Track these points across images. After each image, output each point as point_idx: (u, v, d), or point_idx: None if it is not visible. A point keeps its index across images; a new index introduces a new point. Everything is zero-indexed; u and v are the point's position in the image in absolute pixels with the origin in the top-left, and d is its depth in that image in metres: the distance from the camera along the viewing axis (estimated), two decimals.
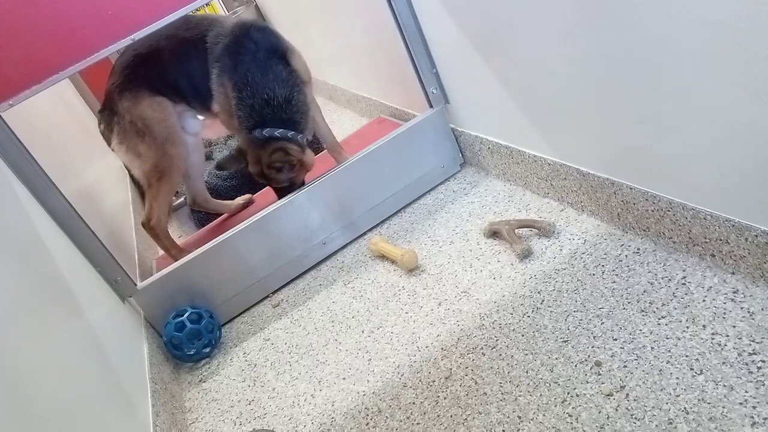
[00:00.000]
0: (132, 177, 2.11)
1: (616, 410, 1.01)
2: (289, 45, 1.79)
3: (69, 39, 1.44)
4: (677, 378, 1.01)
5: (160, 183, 1.81)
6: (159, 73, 1.79)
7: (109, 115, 1.81)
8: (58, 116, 2.50)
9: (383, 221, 1.88)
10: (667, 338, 1.09)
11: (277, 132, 1.71)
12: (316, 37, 2.90)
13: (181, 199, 2.37)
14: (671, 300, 1.16)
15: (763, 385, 0.94)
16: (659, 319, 1.13)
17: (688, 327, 1.09)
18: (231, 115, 1.75)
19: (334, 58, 2.80)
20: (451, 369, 1.25)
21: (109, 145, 1.85)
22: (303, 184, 1.82)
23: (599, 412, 1.02)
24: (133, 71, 1.78)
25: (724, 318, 1.07)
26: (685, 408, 0.96)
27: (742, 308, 1.07)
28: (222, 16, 1.93)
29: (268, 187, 2.03)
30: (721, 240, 1.13)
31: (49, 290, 1.24)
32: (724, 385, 0.97)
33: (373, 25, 2.07)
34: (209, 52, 1.76)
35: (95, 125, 3.38)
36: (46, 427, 0.92)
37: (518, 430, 1.06)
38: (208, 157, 2.82)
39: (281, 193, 1.82)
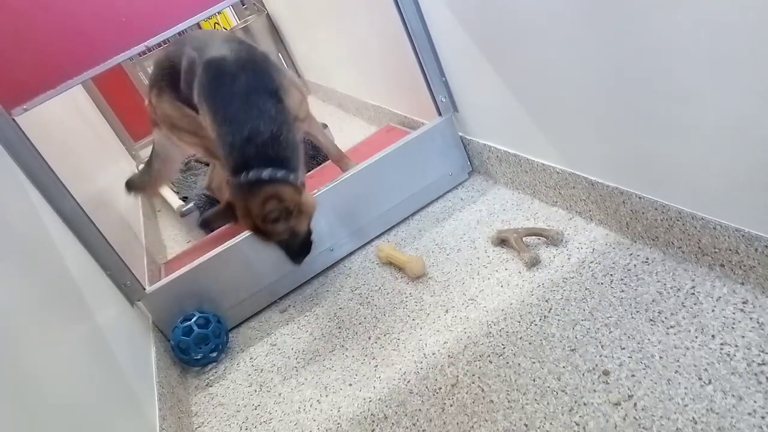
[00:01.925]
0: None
1: (624, 420, 1.01)
2: (282, 79, 1.59)
3: (82, 45, 1.47)
4: (686, 388, 1.01)
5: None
6: (176, 82, 1.79)
7: (149, 100, 1.87)
8: (70, 121, 2.53)
9: (391, 228, 1.88)
10: (676, 348, 1.08)
11: (265, 174, 1.45)
12: (326, 46, 2.92)
13: (191, 204, 2.38)
14: (680, 310, 1.15)
15: None
16: (668, 328, 1.12)
17: (696, 337, 1.08)
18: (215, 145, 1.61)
19: (344, 66, 2.82)
20: (457, 376, 1.25)
21: (153, 121, 1.90)
22: (310, 233, 1.60)
23: (607, 422, 1.02)
24: (162, 72, 1.80)
25: (733, 328, 1.07)
26: (693, 418, 0.96)
27: (751, 318, 1.07)
28: (221, 33, 1.87)
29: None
30: (730, 250, 1.12)
31: (59, 293, 1.25)
32: (733, 396, 0.96)
33: (382, 33, 2.09)
34: (197, 71, 1.62)
35: (107, 130, 3.42)
36: (53, 428, 0.92)
37: None
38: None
39: (290, 251, 1.58)
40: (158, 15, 1.52)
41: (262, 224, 1.47)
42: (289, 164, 1.49)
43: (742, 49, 0.89)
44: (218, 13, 4.05)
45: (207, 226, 1.60)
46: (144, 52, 1.58)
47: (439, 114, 1.87)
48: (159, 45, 1.64)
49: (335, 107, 3.21)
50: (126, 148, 3.49)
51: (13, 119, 1.42)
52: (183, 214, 2.38)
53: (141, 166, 2.60)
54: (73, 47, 1.46)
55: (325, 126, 2.43)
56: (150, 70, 3.90)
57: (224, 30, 1.93)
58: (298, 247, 1.58)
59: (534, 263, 1.44)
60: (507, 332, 1.29)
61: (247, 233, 1.72)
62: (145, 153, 3.47)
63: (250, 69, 1.56)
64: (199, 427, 1.47)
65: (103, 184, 2.41)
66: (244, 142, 1.46)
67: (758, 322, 1.05)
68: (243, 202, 1.47)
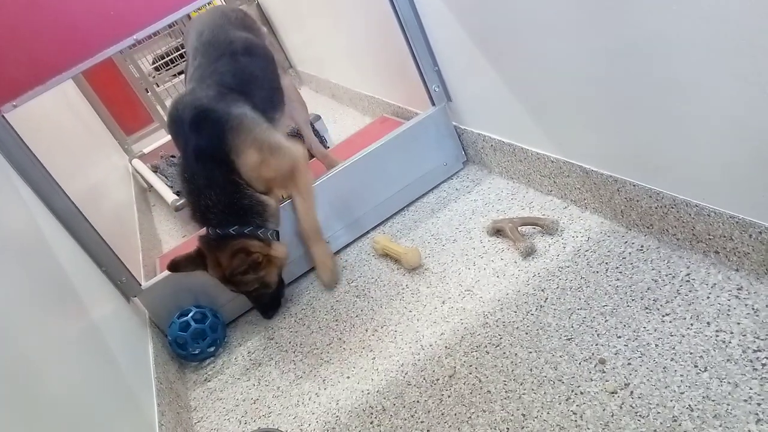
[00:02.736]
0: None
1: (621, 408, 1.01)
2: (236, 143, 1.53)
3: (71, 39, 1.45)
4: (681, 375, 1.01)
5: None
6: None
7: None
8: (61, 116, 2.51)
9: (386, 220, 1.88)
10: (672, 335, 1.08)
11: (232, 230, 1.53)
12: (319, 36, 2.90)
13: (185, 199, 2.37)
14: (675, 297, 1.15)
15: None
16: (663, 316, 1.13)
17: (692, 324, 1.09)
18: None
19: (337, 57, 2.80)
20: (455, 367, 1.25)
21: None
22: (281, 283, 1.68)
23: (603, 410, 1.02)
24: None
25: (728, 315, 1.07)
26: (689, 405, 0.96)
27: (746, 305, 1.07)
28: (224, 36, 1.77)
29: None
30: (725, 237, 1.12)
31: (55, 291, 1.25)
32: (729, 382, 0.96)
33: (374, 22, 2.07)
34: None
35: (99, 125, 3.39)
36: (52, 426, 0.92)
37: (522, 428, 1.06)
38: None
39: (259, 304, 1.67)
40: (147, 7, 1.50)
41: (231, 276, 1.53)
42: (255, 220, 1.56)
43: (736, 39, 0.89)
44: (209, 3, 4.01)
45: (175, 270, 1.58)
46: (134, 45, 1.56)
47: (433, 104, 1.86)
48: (149, 37, 1.63)
49: (328, 98, 3.20)
50: (119, 143, 3.46)
51: (3, 116, 1.41)
52: (177, 209, 2.37)
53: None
54: (62, 42, 1.44)
55: (318, 117, 2.43)
56: (141, 62, 3.87)
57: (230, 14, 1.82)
58: (269, 300, 1.66)
59: (529, 253, 1.44)
60: (503, 322, 1.30)
61: None
62: (138, 147, 3.45)
63: (205, 127, 1.53)
64: (199, 421, 1.47)
65: (96, 179, 2.40)
66: (205, 209, 1.53)
67: (753, 309, 1.06)
68: (213, 254, 1.54)
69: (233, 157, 1.52)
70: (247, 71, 1.69)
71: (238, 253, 1.50)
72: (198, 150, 1.52)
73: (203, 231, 1.58)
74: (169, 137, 3.32)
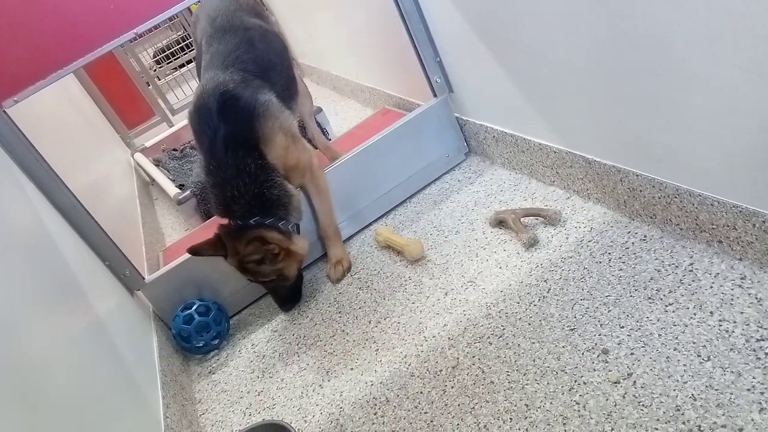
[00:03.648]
0: None
1: (624, 397, 1.01)
2: (264, 130, 1.52)
3: (72, 34, 1.44)
4: (684, 365, 1.01)
5: None
6: None
7: None
8: (63, 111, 2.51)
9: (389, 211, 1.88)
10: (675, 325, 1.08)
11: (252, 220, 1.51)
12: (320, 27, 2.89)
13: (187, 192, 2.37)
14: (678, 287, 1.15)
15: None
16: (666, 306, 1.13)
17: (695, 314, 1.09)
18: None
19: (338, 48, 2.79)
20: (458, 358, 1.25)
21: None
22: (300, 277, 1.67)
23: (606, 400, 1.03)
24: None
25: (731, 304, 1.07)
26: (692, 395, 0.96)
27: (749, 294, 1.07)
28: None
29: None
30: (728, 226, 1.12)
31: (59, 285, 1.25)
32: (732, 372, 0.96)
33: (376, 13, 2.06)
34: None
35: (101, 119, 3.39)
36: (58, 418, 0.93)
37: (526, 418, 1.07)
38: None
39: (277, 296, 1.65)
40: (147, 1, 1.49)
41: (244, 263, 1.52)
42: (279, 212, 1.54)
43: (739, 29, 0.88)
44: None
45: (196, 253, 1.56)
46: (135, 39, 1.55)
47: (435, 95, 1.85)
48: (149, 31, 1.63)
49: (330, 90, 3.19)
50: (120, 137, 3.46)
51: (4, 111, 1.41)
52: (180, 202, 2.37)
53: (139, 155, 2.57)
54: (63, 36, 1.44)
55: (319, 110, 2.42)
56: (142, 56, 3.86)
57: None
58: (287, 293, 1.64)
59: (532, 244, 1.44)
60: (506, 313, 1.30)
61: None
62: (140, 141, 3.45)
63: (233, 115, 1.50)
64: (203, 413, 1.48)
65: (99, 174, 2.40)
66: (230, 200, 1.50)
67: (757, 298, 1.06)
68: (231, 242, 1.53)
69: (262, 145, 1.51)
70: (265, 58, 1.68)
71: (254, 242, 1.49)
72: (228, 138, 1.49)
73: (222, 221, 1.56)
74: (170, 131, 3.32)
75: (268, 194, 1.51)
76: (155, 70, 4.62)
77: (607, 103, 1.24)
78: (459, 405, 1.16)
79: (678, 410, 0.95)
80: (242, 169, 1.48)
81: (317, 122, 2.30)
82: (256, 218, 1.51)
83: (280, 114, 1.56)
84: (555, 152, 1.51)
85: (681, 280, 1.16)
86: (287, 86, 1.72)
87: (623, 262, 1.27)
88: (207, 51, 1.69)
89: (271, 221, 1.52)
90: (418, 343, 1.35)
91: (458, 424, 1.12)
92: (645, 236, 1.30)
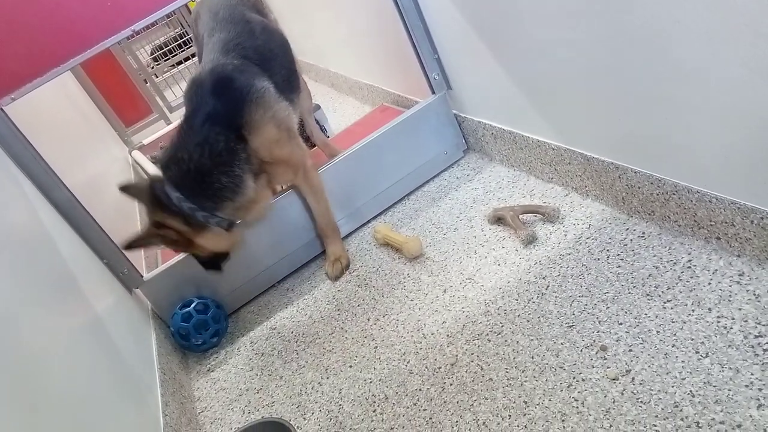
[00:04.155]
0: None
1: (622, 394, 1.02)
2: (254, 117, 1.47)
3: (69, 31, 1.44)
4: (683, 361, 1.01)
5: None
6: None
7: None
8: (60, 108, 2.50)
9: (387, 209, 1.88)
10: (673, 322, 1.09)
11: (174, 197, 1.41)
12: (318, 24, 2.88)
13: None
14: (677, 283, 1.15)
15: None
16: (665, 302, 1.13)
17: (693, 310, 1.09)
18: None
19: (336, 45, 2.79)
20: (456, 355, 1.26)
21: None
22: (221, 256, 1.57)
23: (605, 396, 1.03)
24: None
25: (729, 301, 1.07)
26: (690, 391, 0.96)
27: (747, 291, 1.07)
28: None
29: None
30: (726, 223, 1.12)
31: (57, 283, 1.25)
32: (730, 368, 0.97)
33: (374, 10, 2.06)
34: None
35: (98, 116, 3.38)
36: (56, 417, 0.93)
37: (524, 414, 1.07)
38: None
39: (200, 261, 1.59)
40: None
41: (142, 236, 1.47)
42: (207, 203, 1.44)
43: (739, 26, 0.88)
44: None
45: (130, 248, 1.49)
46: (132, 36, 1.55)
47: (433, 92, 1.85)
48: (146, 28, 1.62)
49: (328, 87, 3.19)
50: (118, 134, 3.46)
51: (2, 109, 1.40)
52: None
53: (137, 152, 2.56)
54: (60, 34, 1.43)
55: (318, 107, 2.42)
56: (139, 53, 3.85)
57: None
58: (206, 261, 1.58)
59: (531, 241, 1.44)
60: (505, 310, 1.30)
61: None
62: (138, 138, 3.45)
63: (225, 94, 1.46)
64: (202, 411, 1.48)
65: (96, 171, 2.40)
66: (178, 161, 1.42)
67: (755, 294, 1.06)
68: (148, 209, 1.47)
69: (246, 131, 1.46)
70: (267, 48, 1.66)
71: (154, 222, 1.45)
72: (212, 113, 1.44)
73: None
74: (168, 128, 3.32)
75: (216, 179, 1.43)
76: (153, 68, 4.61)
77: (606, 100, 1.24)
78: (458, 402, 1.16)
79: (676, 407, 0.95)
80: (209, 144, 1.41)
81: (315, 119, 2.30)
82: (178, 195, 1.41)
83: (276, 104, 1.53)
84: (553, 149, 1.51)
85: (679, 277, 1.16)
86: (288, 78, 1.70)
87: (621, 259, 1.27)
88: (208, 42, 1.67)
89: (189, 208, 1.42)
90: (417, 340, 1.35)
91: (457, 421, 1.12)
92: (643, 233, 1.30)
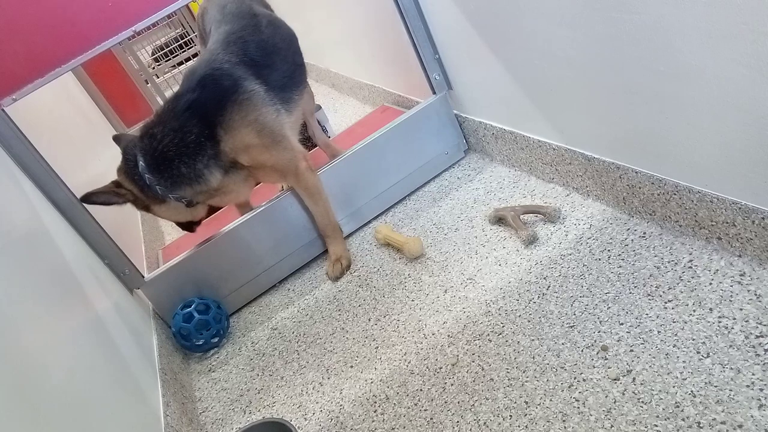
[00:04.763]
0: None
1: (623, 394, 1.02)
2: (233, 117, 1.49)
3: (70, 32, 1.44)
4: (684, 361, 1.01)
5: None
6: None
7: None
8: (61, 109, 2.50)
9: (388, 209, 1.88)
10: (674, 322, 1.09)
11: (142, 165, 1.48)
12: (318, 24, 2.88)
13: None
14: (678, 284, 1.15)
15: None
16: (666, 303, 1.13)
17: (694, 310, 1.09)
18: None
19: (336, 45, 2.79)
20: (457, 356, 1.26)
21: None
22: (196, 223, 1.70)
23: (606, 397, 1.03)
24: None
25: (730, 301, 1.07)
26: (692, 391, 0.96)
27: (749, 291, 1.07)
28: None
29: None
30: (727, 223, 1.12)
31: (58, 283, 1.25)
32: (731, 368, 0.97)
33: (374, 10, 2.06)
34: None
35: (99, 117, 3.39)
36: (57, 418, 0.93)
37: (525, 415, 1.07)
38: None
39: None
40: None
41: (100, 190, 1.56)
42: (166, 182, 1.49)
43: (739, 25, 0.88)
44: None
45: (87, 200, 1.54)
46: (133, 37, 1.55)
47: (433, 92, 1.85)
48: (148, 29, 1.62)
49: (329, 87, 3.19)
50: None
51: (3, 110, 1.41)
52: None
53: None
54: (61, 34, 1.44)
55: (318, 107, 2.42)
56: (140, 54, 3.85)
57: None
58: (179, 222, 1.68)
59: (531, 241, 1.44)
60: (506, 311, 1.30)
61: (245, 217, 1.72)
62: None
63: (211, 88, 1.50)
64: (203, 411, 1.48)
65: (97, 171, 2.40)
66: (151, 137, 1.48)
67: (756, 295, 1.06)
68: (119, 165, 1.56)
69: (221, 129, 1.48)
70: (270, 42, 1.66)
71: (116, 181, 1.55)
72: (196, 101, 1.48)
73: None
74: None
75: (176, 168, 1.48)
76: (154, 68, 4.61)
77: (607, 100, 1.24)
78: (459, 402, 1.16)
79: (677, 407, 0.95)
80: (182, 133, 1.46)
81: (317, 120, 2.30)
82: (143, 165, 1.48)
83: (261, 107, 1.52)
84: (554, 149, 1.51)
85: (680, 277, 1.16)
86: (291, 73, 1.70)
87: (622, 259, 1.27)
88: (214, 34, 1.69)
89: (151, 179, 1.49)
90: (418, 340, 1.35)
91: (458, 422, 1.12)
92: (644, 233, 1.30)
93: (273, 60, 1.64)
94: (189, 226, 1.71)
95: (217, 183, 1.53)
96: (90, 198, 1.52)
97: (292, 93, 1.68)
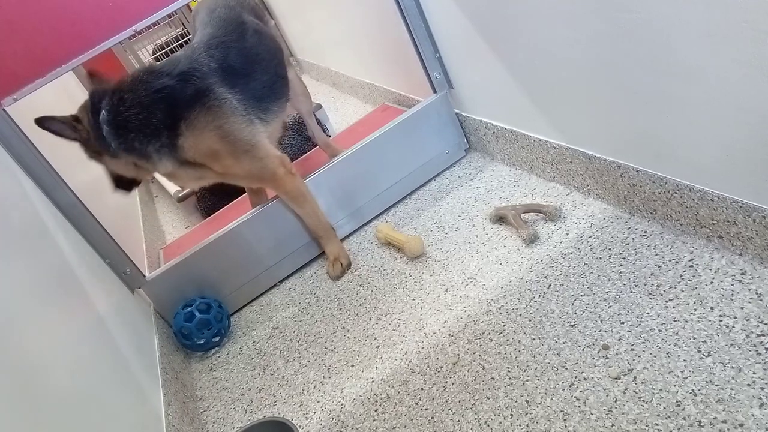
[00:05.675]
0: None
1: (624, 393, 1.02)
2: (199, 119, 1.49)
3: (71, 32, 1.44)
4: (685, 360, 1.01)
5: None
6: None
7: None
8: (62, 109, 2.50)
9: (389, 208, 1.88)
10: (675, 321, 1.09)
11: (104, 116, 1.48)
12: (319, 23, 2.88)
13: (187, 189, 2.37)
14: (679, 282, 1.15)
15: None
16: (667, 301, 1.13)
17: (695, 309, 1.09)
18: None
19: (337, 44, 2.79)
20: (458, 355, 1.26)
21: None
22: (134, 183, 1.69)
23: (607, 396, 1.03)
24: None
25: (731, 300, 1.07)
26: (693, 390, 0.96)
27: (749, 290, 1.07)
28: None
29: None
30: (728, 221, 1.12)
31: (59, 283, 1.25)
32: (732, 367, 0.97)
33: (375, 9, 2.06)
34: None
35: None
36: (59, 418, 0.93)
37: (526, 414, 1.07)
38: None
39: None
40: None
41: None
42: (122, 144, 1.50)
43: (740, 24, 0.88)
44: None
45: (41, 124, 1.49)
46: (134, 36, 1.55)
47: (434, 91, 1.85)
48: (148, 28, 1.62)
49: (329, 86, 3.18)
50: None
51: (4, 109, 1.41)
52: (180, 199, 2.37)
53: None
54: (62, 34, 1.44)
55: (319, 106, 2.42)
56: (141, 53, 3.85)
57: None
58: (116, 179, 1.66)
59: (532, 240, 1.44)
60: (507, 310, 1.30)
61: (246, 217, 1.72)
62: None
63: (187, 85, 1.50)
64: (205, 411, 1.48)
65: (98, 171, 2.39)
66: (120, 102, 1.48)
67: (757, 293, 1.06)
68: (85, 103, 1.54)
69: (184, 126, 1.49)
70: (253, 51, 1.66)
71: (76, 116, 1.53)
72: (168, 89, 1.48)
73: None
74: None
75: (132, 138, 1.49)
76: None
77: (608, 98, 1.24)
78: (460, 401, 1.16)
79: (678, 405, 0.95)
80: (147, 112, 1.47)
81: (317, 119, 2.30)
82: (105, 117, 1.48)
83: (231, 116, 1.52)
84: (555, 148, 1.51)
85: (681, 276, 1.16)
86: (271, 84, 1.69)
87: (623, 258, 1.27)
88: (199, 35, 1.68)
89: (108, 132, 1.49)
90: (419, 339, 1.35)
91: (459, 421, 1.12)
92: (645, 232, 1.30)
93: (253, 69, 1.63)
94: (129, 185, 1.68)
95: (165, 170, 1.56)
96: (45, 122, 1.48)
97: (271, 104, 1.67)
